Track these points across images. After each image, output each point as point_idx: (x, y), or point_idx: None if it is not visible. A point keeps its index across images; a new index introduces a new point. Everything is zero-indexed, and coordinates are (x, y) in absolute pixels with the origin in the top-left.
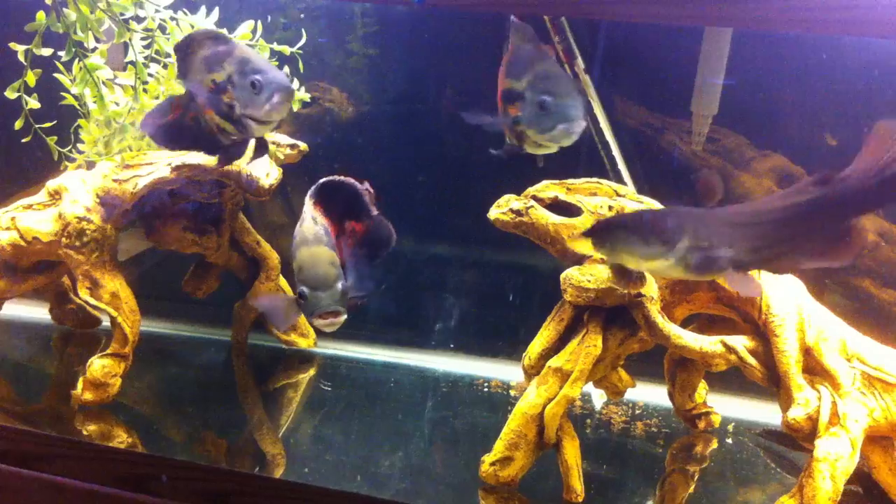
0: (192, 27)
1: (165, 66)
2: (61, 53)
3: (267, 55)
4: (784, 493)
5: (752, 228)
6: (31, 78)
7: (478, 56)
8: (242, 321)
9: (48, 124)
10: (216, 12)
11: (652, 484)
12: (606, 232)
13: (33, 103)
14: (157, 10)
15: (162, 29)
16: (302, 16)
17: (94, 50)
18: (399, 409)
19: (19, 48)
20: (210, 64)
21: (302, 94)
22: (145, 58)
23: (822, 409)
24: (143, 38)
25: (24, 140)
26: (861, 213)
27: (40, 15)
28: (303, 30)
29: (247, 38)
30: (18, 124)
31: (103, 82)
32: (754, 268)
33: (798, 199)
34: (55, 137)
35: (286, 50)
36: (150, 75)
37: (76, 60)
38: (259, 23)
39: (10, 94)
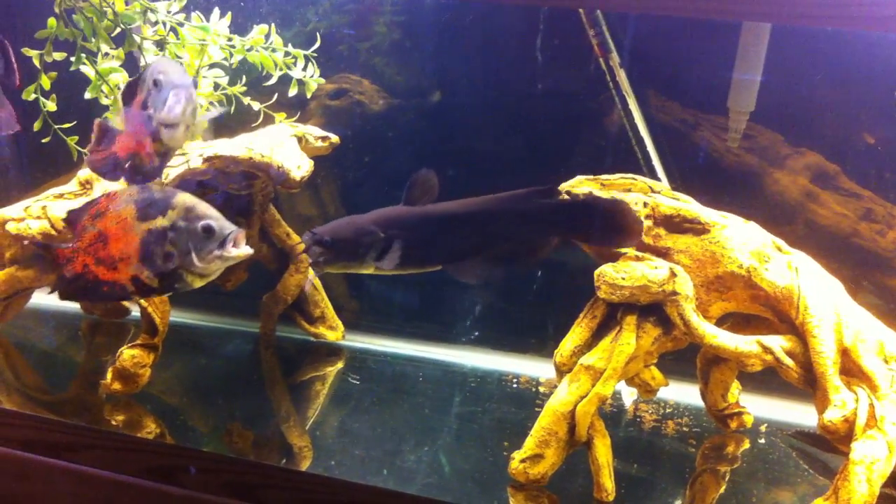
0: (205, 31)
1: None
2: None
3: (282, 55)
4: (816, 494)
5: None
6: (45, 81)
7: (506, 47)
8: (271, 313)
9: (67, 125)
10: (229, 16)
11: (682, 483)
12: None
13: (51, 105)
14: (168, 12)
15: (175, 32)
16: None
17: (106, 55)
18: (427, 403)
19: (33, 53)
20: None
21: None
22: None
23: (859, 411)
24: (155, 43)
25: (43, 140)
26: (557, 233)
27: (51, 21)
28: (317, 33)
29: (259, 42)
30: (37, 125)
31: (117, 86)
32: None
33: (518, 205)
34: (76, 137)
35: (299, 54)
36: None
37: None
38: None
39: (27, 96)
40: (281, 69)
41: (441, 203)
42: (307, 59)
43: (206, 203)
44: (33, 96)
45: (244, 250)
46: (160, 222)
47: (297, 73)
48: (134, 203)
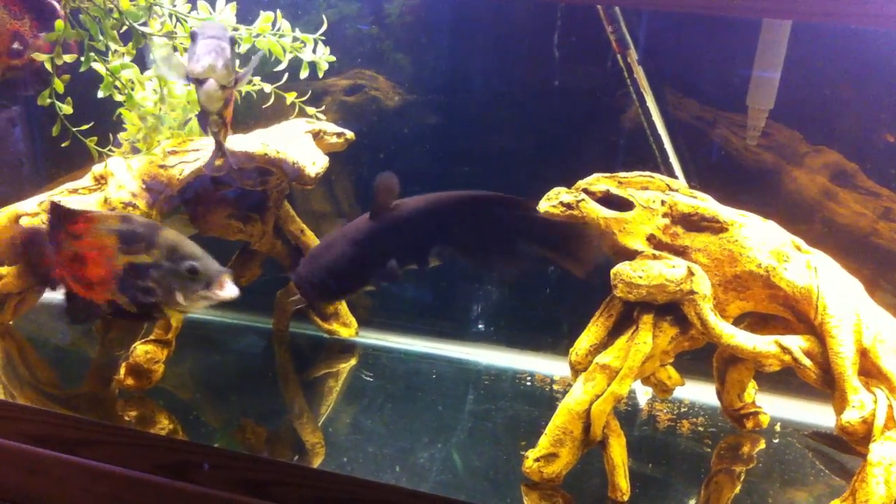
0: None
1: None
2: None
3: (290, 40)
4: (832, 496)
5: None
6: (59, 85)
7: (524, 43)
8: (284, 309)
9: (86, 126)
10: (234, 5)
11: (697, 483)
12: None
13: (67, 109)
14: (173, 5)
15: (181, 24)
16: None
17: (115, 52)
18: (440, 401)
19: (44, 57)
20: None
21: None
22: (171, 50)
23: (877, 412)
24: (163, 35)
25: (63, 144)
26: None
27: (58, 24)
28: (324, 16)
29: (266, 30)
30: (55, 130)
31: (130, 81)
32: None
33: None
34: (95, 138)
35: (308, 38)
36: None
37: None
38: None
39: (42, 102)
40: (290, 53)
41: (407, 202)
42: (316, 41)
43: (191, 241)
44: (48, 101)
45: (230, 292)
46: (143, 258)
47: (307, 55)
48: (116, 233)
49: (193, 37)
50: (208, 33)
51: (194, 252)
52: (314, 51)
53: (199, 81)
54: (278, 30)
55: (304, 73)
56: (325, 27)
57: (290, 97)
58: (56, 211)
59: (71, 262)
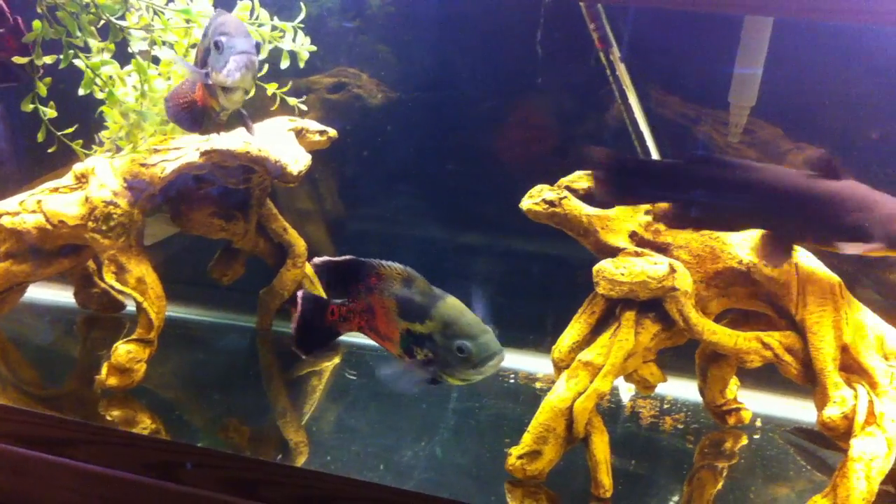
0: (187, 13)
1: (172, 46)
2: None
3: (269, 29)
4: (814, 491)
5: None
6: (42, 89)
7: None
8: (268, 308)
9: (70, 129)
10: None
11: (680, 480)
12: None
13: (51, 112)
14: None
15: (159, 16)
16: None
17: (99, 50)
18: (424, 399)
19: (23, 60)
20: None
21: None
22: (149, 44)
23: (858, 407)
24: (141, 28)
25: (50, 150)
26: None
27: (36, 24)
28: (302, 4)
29: (243, 19)
30: (41, 136)
31: (110, 77)
32: None
33: None
34: (80, 141)
35: (287, 27)
36: (155, 60)
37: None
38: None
39: (26, 108)
40: (270, 42)
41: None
42: (295, 30)
43: (471, 315)
44: (31, 106)
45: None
46: (418, 328)
47: (286, 44)
48: (395, 298)
49: (219, 46)
50: (239, 47)
51: (469, 330)
52: (294, 39)
53: (224, 88)
54: (256, 18)
55: (284, 63)
56: (303, 14)
57: (272, 88)
58: (355, 266)
59: (363, 312)
